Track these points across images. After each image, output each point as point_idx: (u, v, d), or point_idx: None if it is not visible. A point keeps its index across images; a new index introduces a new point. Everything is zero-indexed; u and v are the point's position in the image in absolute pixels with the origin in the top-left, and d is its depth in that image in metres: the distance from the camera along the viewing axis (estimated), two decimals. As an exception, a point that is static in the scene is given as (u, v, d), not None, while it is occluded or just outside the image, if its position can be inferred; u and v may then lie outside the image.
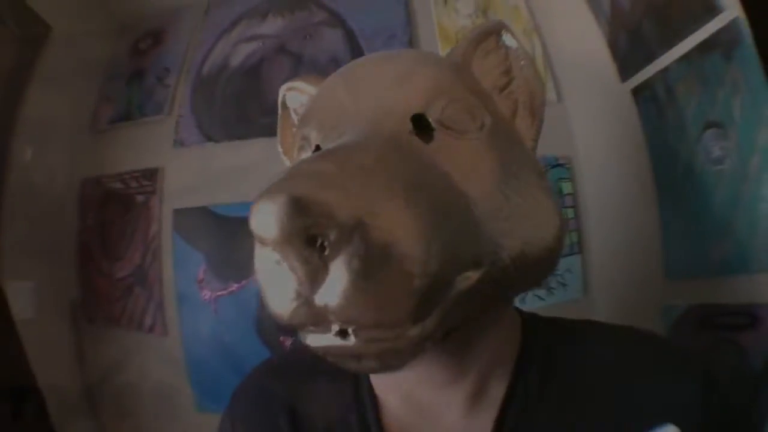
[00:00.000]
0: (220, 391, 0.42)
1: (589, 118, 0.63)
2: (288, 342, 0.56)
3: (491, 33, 0.36)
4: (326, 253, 0.23)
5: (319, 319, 0.25)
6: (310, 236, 0.23)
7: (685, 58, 0.55)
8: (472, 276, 0.28)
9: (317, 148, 0.32)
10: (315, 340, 0.26)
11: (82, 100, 0.70)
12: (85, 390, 0.65)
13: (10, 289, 0.59)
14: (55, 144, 0.68)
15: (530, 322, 0.38)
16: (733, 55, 0.52)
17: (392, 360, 0.26)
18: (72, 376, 0.65)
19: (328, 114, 0.32)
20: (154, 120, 0.67)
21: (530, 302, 0.58)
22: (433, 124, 0.30)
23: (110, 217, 0.68)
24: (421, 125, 0.30)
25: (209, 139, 0.62)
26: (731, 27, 0.51)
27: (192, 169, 0.63)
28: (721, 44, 0.53)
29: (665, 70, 0.57)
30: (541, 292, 0.60)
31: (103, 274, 0.67)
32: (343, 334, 0.25)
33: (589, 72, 0.62)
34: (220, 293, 0.58)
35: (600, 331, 0.39)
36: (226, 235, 0.58)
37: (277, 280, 0.24)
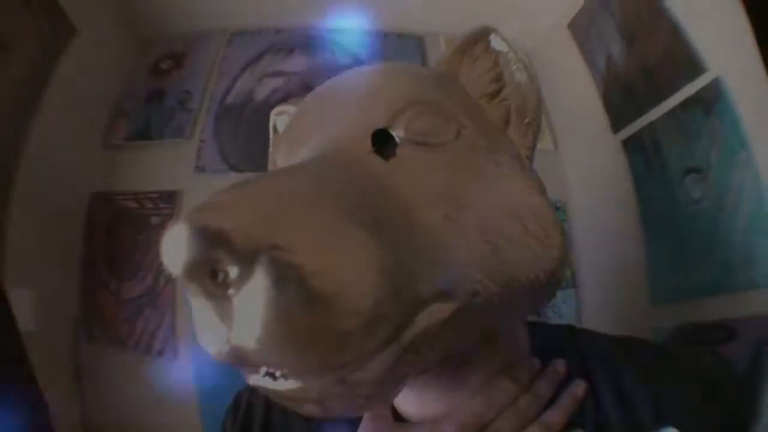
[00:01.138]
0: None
1: (583, 165, 0.69)
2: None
3: (478, 39, 0.33)
4: (229, 289, 0.20)
5: (242, 360, 0.21)
6: (214, 270, 0.20)
7: (671, 113, 0.63)
8: (443, 309, 0.24)
9: None
10: (253, 380, 0.23)
11: (99, 111, 0.70)
12: (82, 410, 0.64)
13: (13, 297, 0.59)
14: (66, 153, 0.66)
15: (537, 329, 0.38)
16: (713, 110, 0.60)
17: (336, 406, 0.23)
18: (69, 395, 0.64)
19: (294, 134, 0.30)
20: (175, 143, 0.68)
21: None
22: (398, 139, 0.28)
23: (121, 235, 0.69)
24: (386, 140, 0.28)
25: (232, 168, 0.64)
26: (713, 85, 0.59)
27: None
28: (703, 101, 0.61)
29: (652, 124, 0.65)
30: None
31: (110, 293, 0.67)
32: (272, 376, 0.22)
33: (584, 123, 0.69)
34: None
35: (607, 339, 0.40)
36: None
37: (201, 316, 0.21)
